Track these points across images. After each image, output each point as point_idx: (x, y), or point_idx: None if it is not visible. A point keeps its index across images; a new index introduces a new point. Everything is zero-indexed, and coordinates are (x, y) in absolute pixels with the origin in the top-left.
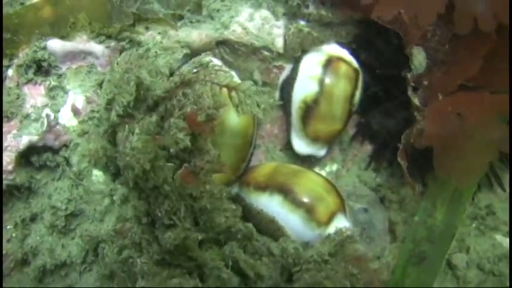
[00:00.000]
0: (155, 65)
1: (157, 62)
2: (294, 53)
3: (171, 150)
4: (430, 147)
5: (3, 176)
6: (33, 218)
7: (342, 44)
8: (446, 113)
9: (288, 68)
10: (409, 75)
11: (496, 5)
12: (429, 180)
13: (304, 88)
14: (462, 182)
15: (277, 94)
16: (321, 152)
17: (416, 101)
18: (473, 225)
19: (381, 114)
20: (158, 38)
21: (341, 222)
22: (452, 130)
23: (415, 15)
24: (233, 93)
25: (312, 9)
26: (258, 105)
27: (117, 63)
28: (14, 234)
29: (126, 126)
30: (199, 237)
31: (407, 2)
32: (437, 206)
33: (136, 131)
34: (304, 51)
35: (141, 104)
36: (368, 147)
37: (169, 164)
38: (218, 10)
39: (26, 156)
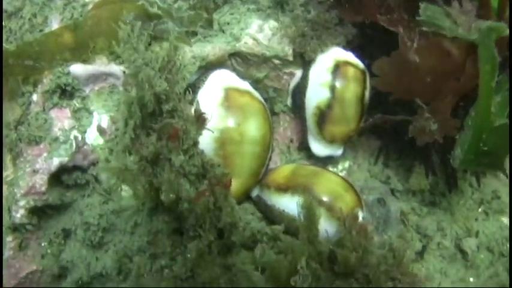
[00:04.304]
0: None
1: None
2: (302, 59)
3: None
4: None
5: (37, 198)
6: (67, 235)
7: (345, 48)
8: None
9: (297, 73)
10: None
11: None
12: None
13: (317, 95)
14: None
15: (289, 100)
16: (338, 152)
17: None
18: (480, 209)
19: (386, 111)
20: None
21: (359, 218)
22: None
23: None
24: None
25: (313, 14)
26: None
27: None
28: (49, 251)
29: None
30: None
31: None
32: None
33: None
34: (311, 58)
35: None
36: (376, 142)
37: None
38: (228, 23)
39: (57, 176)
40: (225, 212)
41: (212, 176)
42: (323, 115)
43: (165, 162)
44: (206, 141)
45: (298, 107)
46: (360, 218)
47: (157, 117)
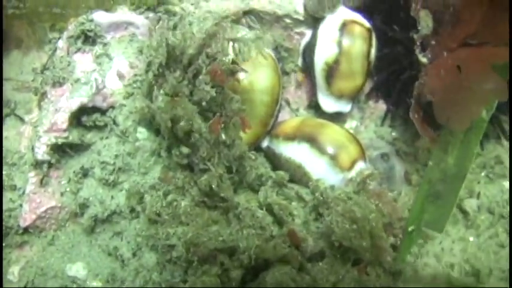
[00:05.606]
0: (186, 30)
1: (190, 28)
2: (313, 19)
3: (203, 103)
4: None
5: (58, 135)
6: (85, 173)
7: (352, 9)
8: (446, 67)
9: (308, 33)
10: (416, 36)
11: None
12: (441, 130)
13: (325, 51)
14: (457, 127)
15: (300, 59)
16: (346, 108)
17: (424, 59)
18: (483, 173)
19: (393, 74)
20: (191, 8)
21: (362, 168)
22: (451, 82)
23: None
24: (234, 44)
25: None
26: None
27: (154, 31)
28: (68, 189)
29: (155, 86)
30: (233, 181)
31: None
32: (448, 151)
33: (161, 91)
34: (321, 18)
35: (174, 65)
36: (383, 105)
37: (197, 116)
38: None
39: (77, 117)
40: (235, 145)
41: (229, 109)
42: (331, 70)
43: (184, 97)
44: None
45: (308, 66)
46: (363, 168)
47: (179, 62)
